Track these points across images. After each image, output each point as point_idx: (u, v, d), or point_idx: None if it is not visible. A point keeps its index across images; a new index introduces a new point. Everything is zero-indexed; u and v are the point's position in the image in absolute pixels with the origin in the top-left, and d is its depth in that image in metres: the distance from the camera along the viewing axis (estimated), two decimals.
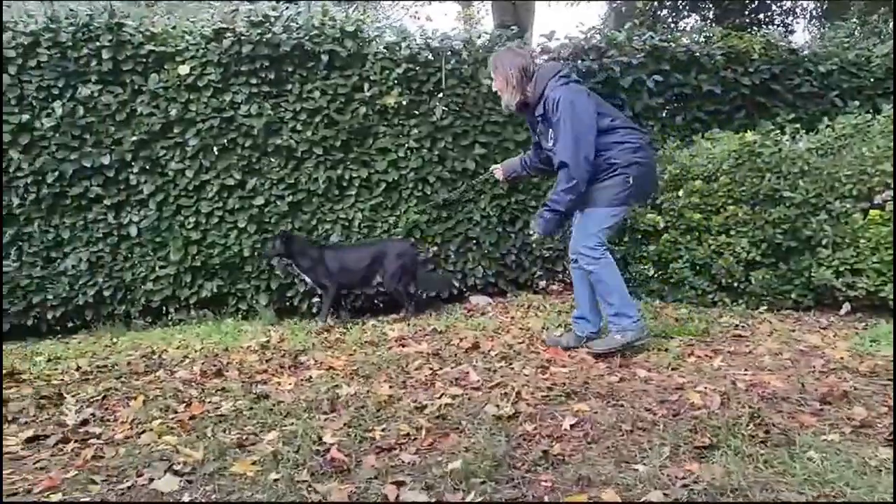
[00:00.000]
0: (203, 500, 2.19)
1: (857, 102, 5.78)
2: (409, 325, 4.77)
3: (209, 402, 3.21)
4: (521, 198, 5.62)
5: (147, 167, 5.11)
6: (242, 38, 5.06)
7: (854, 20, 9.15)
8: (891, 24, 7.32)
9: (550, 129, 3.63)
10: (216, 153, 5.15)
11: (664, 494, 2.03)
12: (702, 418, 2.61)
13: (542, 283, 5.72)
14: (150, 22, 5.15)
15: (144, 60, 5.04)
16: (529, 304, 5.21)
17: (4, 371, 3.82)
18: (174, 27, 5.21)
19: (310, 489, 2.22)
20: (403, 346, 4.15)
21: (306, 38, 5.17)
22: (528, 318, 4.75)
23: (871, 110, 5.39)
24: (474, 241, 5.60)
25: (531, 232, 3.85)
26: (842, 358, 3.39)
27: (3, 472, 2.48)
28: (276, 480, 2.27)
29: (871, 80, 6.10)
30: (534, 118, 3.80)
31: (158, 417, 2.99)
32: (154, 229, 5.16)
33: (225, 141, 5.15)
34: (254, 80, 5.16)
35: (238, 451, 2.58)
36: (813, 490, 2.02)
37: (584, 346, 3.78)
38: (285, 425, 2.80)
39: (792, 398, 2.86)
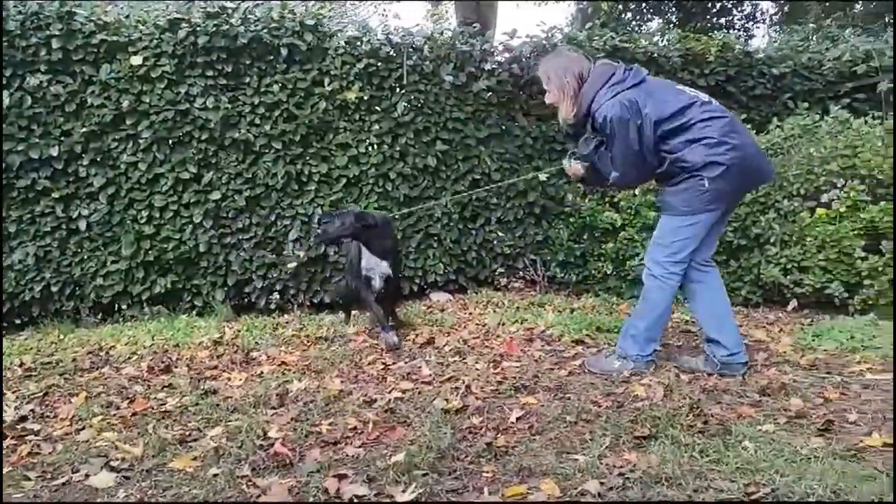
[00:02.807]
0: (138, 496, 2.15)
1: (806, 104, 5.91)
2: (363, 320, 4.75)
3: (154, 398, 3.15)
4: (481, 195, 5.63)
5: (98, 159, 4.97)
6: (198, 28, 4.96)
7: (810, 24, 9.38)
8: (847, 30, 7.50)
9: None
10: (171, 146, 5.05)
11: (600, 483, 2.06)
12: (644, 409, 2.66)
13: (503, 281, 5.75)
14: (102, 11, 5.02)
15: (96, 50, 4.90)
16: (488, 301, 5.24)
17: None
18: (127, 17, 5.09)
19: (249, 484, 2.19)
20: (358, 341, 4.14)
21: (265, 30, 5.09)
22: (486, 314, 4.77)
23: (819, 112, 5.53)
24: (435, 238, 5.60)
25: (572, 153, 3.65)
26: (784, 352, 3.48)
27: None
28: (215, 475, 2.25)
29: (823, 83, 6.24)
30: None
31: (100, 414, 2.94)
32: (105, 223, 5.03)
33: (180, 134, 5.03)
34: (210, 73, 5.06)
35: (179, 447, 2.54)
36: (744, 478, 2.07)
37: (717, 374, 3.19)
38: (231, 421, 2.77)
39: (732, 390, 2.93)
